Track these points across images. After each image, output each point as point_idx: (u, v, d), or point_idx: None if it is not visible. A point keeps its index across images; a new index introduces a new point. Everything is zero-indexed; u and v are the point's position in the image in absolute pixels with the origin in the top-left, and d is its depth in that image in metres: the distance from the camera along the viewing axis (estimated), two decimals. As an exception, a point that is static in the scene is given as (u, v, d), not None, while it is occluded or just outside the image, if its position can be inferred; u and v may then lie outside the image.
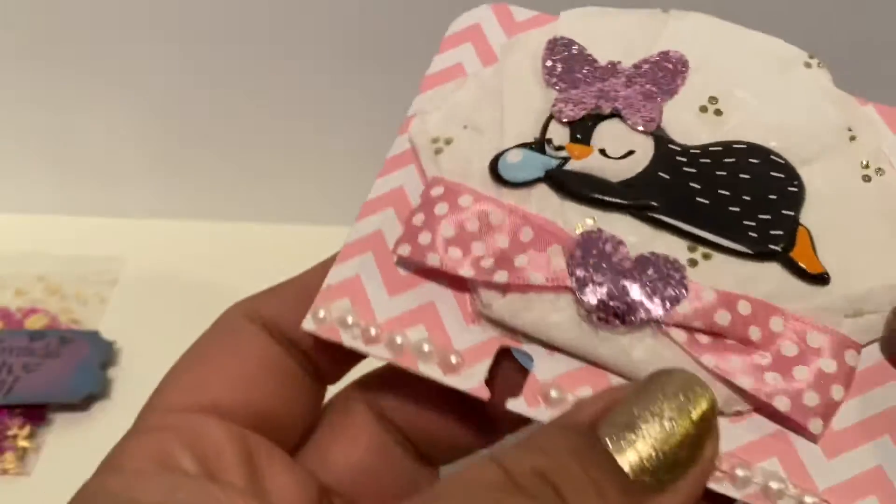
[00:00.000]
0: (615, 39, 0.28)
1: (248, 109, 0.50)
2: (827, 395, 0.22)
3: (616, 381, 0.24)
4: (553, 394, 0.24)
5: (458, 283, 0.25)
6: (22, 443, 0.44)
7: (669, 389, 0.21)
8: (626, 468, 0.20)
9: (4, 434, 0.44)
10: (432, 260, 0.25)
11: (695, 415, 0.21)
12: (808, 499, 0.22)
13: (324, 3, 0.45)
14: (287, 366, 0.27)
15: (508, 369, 0.25)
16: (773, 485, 0.22)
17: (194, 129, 0.51)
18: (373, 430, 0.28)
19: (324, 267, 0.27)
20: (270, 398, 0.26)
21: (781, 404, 0.22)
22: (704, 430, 0.21)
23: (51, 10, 0.47)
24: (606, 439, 0.20)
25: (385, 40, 0.46)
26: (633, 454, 0.20)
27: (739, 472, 0.22)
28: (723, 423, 0.23)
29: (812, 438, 0.22)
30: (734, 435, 0.23)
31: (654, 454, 0.20)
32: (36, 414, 0.45)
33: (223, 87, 0.49)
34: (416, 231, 0.25)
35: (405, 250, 0.25)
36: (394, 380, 0.27)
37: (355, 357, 0.27)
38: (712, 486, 0.22)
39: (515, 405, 0.24)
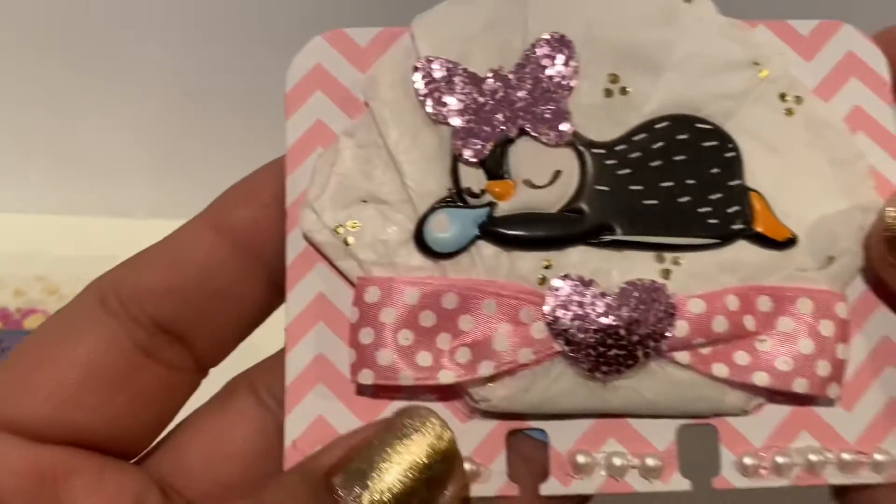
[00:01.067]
0: (483, 39, 0.25)
1: (249, 110, 0.51)
2: (835, 358, 0.23)
3: (637, 424, 0.23)
4: (580, 460, 0.23)
5: (434, 386, 0.23)
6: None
7: (405, 434, 0.21)
8: None
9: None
10: (405, 380, 0.23)
11: (429, 456, 0.21)
12: (845, 456, 0.23)
13: (325, 5, 0.46)
14: (135, 363, 0.25)
15: (526, 453, 0.23)
16: (813, 457, 0.23)
17: (194, 130, 0.53)
18: (254, 416, 0.27)
19: (194, 230, 0.26)
20: (100, 408, 0.25)
21: (801, 387, 0.23)
22: (444, 472, 0.21)
23: (51, 11, 0.49)
24: (339, 489, 0.20)
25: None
26: (365, 500, 0.20)
27: (780, 460, 0.23)
28: (746, 419, 0.23)
29: (829, 403, 0.23)
30: (761, 427, 0.24)
31: (386, 500, 0.20)
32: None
33: (223, 87, 0.51)
34: (369, 351, 0.23)
35: (367, 378, 0.23)
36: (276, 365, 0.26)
37: (236, 334, 0.26)
38: (762, 483, 0.22)
39: (550, 489, 0.23)
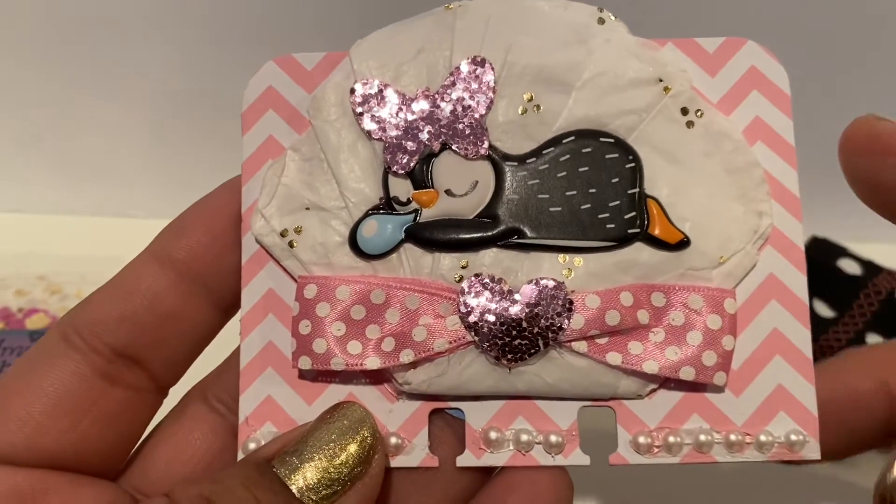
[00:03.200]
0: (414, 62, 0.28)
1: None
2: (721, 349, 0.26)
3: (543, 405, 0.26)
4: (492, 436, 0.26)
5: (365, 371, 0.26)
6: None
7: (335, 422, 0.26)
8: (294, 489, 0.24)
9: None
10: (336, 365, 0.26)
11: (354, 443, 0.25)
12: (732, 437, 0.26)
13: (324, 5, 0.48)
14: (97, 389, 0.28)
15: (445, 430, 0.26)
16: (703, 437, 0.26)
17: (195, 130, 0.54)
18: (206, 419, 0.30)
19: (140, 263, 0.29)
20: (68, 432, 0.28)
21: (687, 374, 0.25)
22: (365, 454, 0.25)
23: (51, 11, 0.49)
24: (278, 466, 0.25)
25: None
26: (299, 477, 0.25)
27: (671, 439, 0.26)
28: (642, 403, 0.26)
29: (719, 390, 0.25)
30: (655, 409, 0.26)
31: (318, 477, 0.25)
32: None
33: (223, 87, 0.51)
34: (307, 340, 0.26)
35: (305, 363, 0.26)
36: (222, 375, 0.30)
37: (188, 354, 0.29)
38: (654, 460, 0.25)
39: (465, 460, 0.26)
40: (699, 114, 0.27)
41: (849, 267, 0.51)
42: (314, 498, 0.24)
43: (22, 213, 0.57)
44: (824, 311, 0.51)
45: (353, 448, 0.25)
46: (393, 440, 0.27)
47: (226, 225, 0.28)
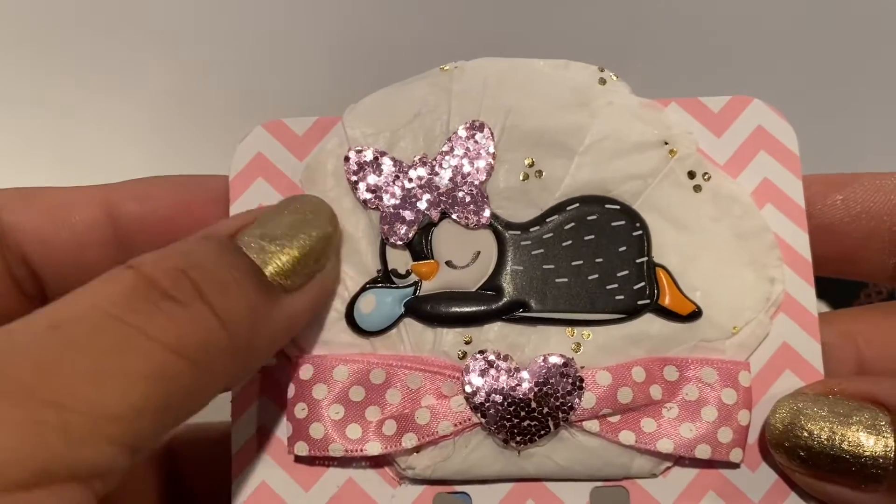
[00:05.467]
0: (411, 127, 0.27)
1: (248, 110, 0.54)
2: (736, 424, 0.25)
3: (553, 486, 0.25)
4: (502, 521, 0.25)
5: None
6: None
7: (300, 209, 0.25)
8: (267, 271, 0.24)
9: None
10: (335, 451, 0.25)
11: (319, 232, 0.25)
12: (749, 515, 0.25)
13: (323, 5, 0.49)
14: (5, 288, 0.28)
15: (452, 516, 0.25)
16: (719, 517, 0.25)
17: (194, 130, 0.55)
18: None
19: (85, 194, 0.28)
20: None
21: (703, 453, 0.25)
22: (327, 245, 0.25)
23: (51, 11, 0.51)
24: (244, 246, 0.24)
25: (386, 46, 0.50)
26: (269, 260, 0.24)
27: None
28: (656, 481, 0.25)
29: (734, 466, 0.25)
30: (670, 488, 0.26)
31: (287, 260, 0.24)
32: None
33: (223, 87, 0.53)
34: (303, 424, 0.25)
35: (302, 450, 0.25)
36: None
37: (84, 266, 0.28)
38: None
39: (474, 549, 0.25)
40: (706, 177, 0.27)
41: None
42: (282, 283, 0.23)
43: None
44: (823, 308, 0.50)
45: (319, 239, 0.24)
46: (397, 527, 0.26)
47: (189, 222, 0.27)
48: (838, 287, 0.49)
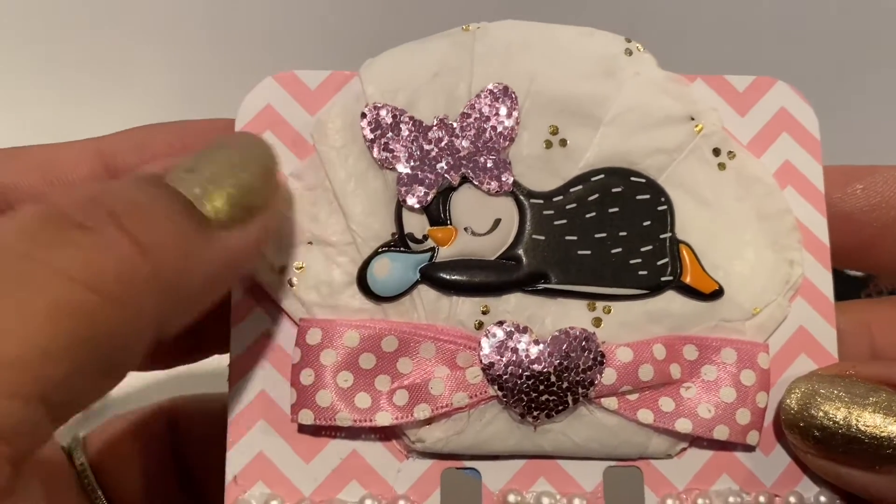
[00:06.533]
0: (430, 87, 0.26)
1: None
2: (754, 406, 0.25)
3: (566, 464, 0.24)
4: (511, 499, 0.25)
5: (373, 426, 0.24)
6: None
7: (235, 144, 0.23)
8: (197, 204, 0.21)
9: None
10: (342, 421, 0.24)
11: (256, 168, 0.23)
12: (761, 498, 0.25)
13: (324, 5, 0.49)
14: None
15: (460, 492, 0.24)
16: (732, 499, 0.25)
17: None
18: None
19: (79, 149, 0.27)
20: None
21: (721, 434, 0.25)
22: (265, 182, 0.23)
23: (51, 11, 0.50)
24: (173, 181, 0.22)
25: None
26: (202, 194, 0.22)
27: (700, 502, 0.24)
28: (671, 462, 0.25)
29: (750, 449, 0.24)
30: (684, 469, 0.25)
31: (220, 194, 0.22)
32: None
33: (223, 87, 0.50)
34: (309, 392, 0.24)
35: (307, 418, 0.24)
36: None
37: None
38: (683, 525, 0.24)
39: (482, 526, 0.24)
40: (731, 155, 0.27)
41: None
42: (217, 217, 0.21)
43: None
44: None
45: (256, 176, 0.22)
46: (401, 503, 0.24)
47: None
48: (839, 287, 0.50)
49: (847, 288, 0.49)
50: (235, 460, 0.25)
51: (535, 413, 0.24)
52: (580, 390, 0.24)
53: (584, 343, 0.24)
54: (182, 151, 0.26)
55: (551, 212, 0.26)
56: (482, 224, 0.26)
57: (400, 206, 0.26)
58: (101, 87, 0.52)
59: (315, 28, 0.51)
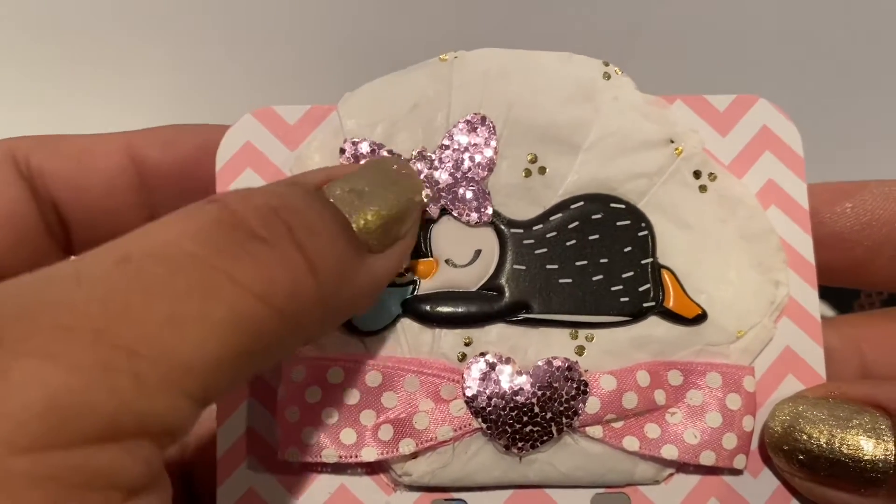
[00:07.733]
0: (409, 118, 0.26)
1: (248, 109, 0.52)
2: (741, 430, 0.25)
3: (553, 493, 0.25)
4: (500, 529, 0.24)
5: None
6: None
7: (390, 168, 0.24)
8: (354, 226, 0.22)
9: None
10: (328, 457, 0.24)
11: (406, 194, 0.24)
12: (751, 523, 0.24)
13: (324, 4, 0.49)
14: (27, 212, 0.28)
15: (449, 524, 0.25)
16: (721, 524, 0.24)
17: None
18: None
19: (109, 142, 0.28)
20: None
21: (707, 459, 0.25)
22: (412, 210, 0.24)
23: (51, 10, 0.51)
24: (332, 197, 0.23)
25: (385, 44, 0.49)
26: (357, 215, 0.23)
27: None
28: (658, 488, 0.25)
29: (737, 472, 0.24)
30: (672, 495, 0.26)
31: (373, 218, 0.23)
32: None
33: (223, 86, 0.53)
34: (295, 429, 0.24)
35: (294, 455, 0.24)
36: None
37: (110, 211, 0.28)
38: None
39: (471, 558, 0.24)
40: (712, 177, 0.27)
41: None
42: (368, 240, 0.22)
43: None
44: (825, 311, 0.51)
45: (405, 201, 0.23)
46: (391, 535, 0.25)
47: (213, 169, 0.26)
48: (831, 299, 0.50)
49: (840, 299, 0.49)
50: (225, 498, 0.25)
51: (519, 444, 0.24)
52: (564, 420, 0.24)
53: (566, 373, 0.24)
54: (207, 153, 0.27)
55: (532, 241, 0.26)
56: (463, 255, 0.26)
57: (381, 239, 0.26)
58: (104, 86, 0.53)
59: (316, 29, 0.51)
